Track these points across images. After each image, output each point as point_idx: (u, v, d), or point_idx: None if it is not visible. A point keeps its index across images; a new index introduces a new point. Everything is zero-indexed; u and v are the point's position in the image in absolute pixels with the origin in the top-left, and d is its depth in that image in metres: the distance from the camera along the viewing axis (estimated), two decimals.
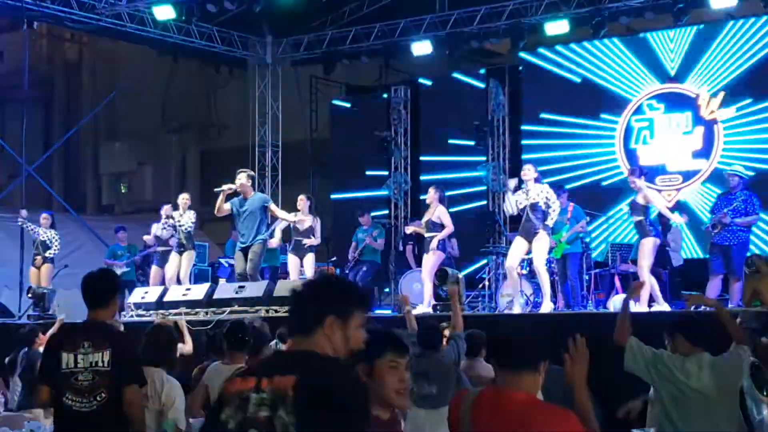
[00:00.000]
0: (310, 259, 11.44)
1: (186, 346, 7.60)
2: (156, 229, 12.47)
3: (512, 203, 9.97)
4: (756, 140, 13.34)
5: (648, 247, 9.55)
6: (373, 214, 13.89)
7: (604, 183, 14.43)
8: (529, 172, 9.86)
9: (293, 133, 17.40)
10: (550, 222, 9.77)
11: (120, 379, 4.25)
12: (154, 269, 12.32)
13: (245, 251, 10.56)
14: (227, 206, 10.61)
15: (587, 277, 11.30)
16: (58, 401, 4.28)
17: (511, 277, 10.09)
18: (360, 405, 2.39)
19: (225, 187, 10.56)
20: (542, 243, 9.78)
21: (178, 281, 11.71)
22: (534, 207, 9.71)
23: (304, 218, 11.45)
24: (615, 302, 10.43)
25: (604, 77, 14.63)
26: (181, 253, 11.77)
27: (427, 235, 10.78)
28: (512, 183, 10.29)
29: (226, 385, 2.51)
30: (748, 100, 13.41)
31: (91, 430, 4.22)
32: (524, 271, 11.17)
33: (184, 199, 11.91)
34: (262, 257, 10.78)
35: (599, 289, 11.49)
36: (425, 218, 10.85)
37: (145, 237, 12.90)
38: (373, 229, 12.65)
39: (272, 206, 10.85)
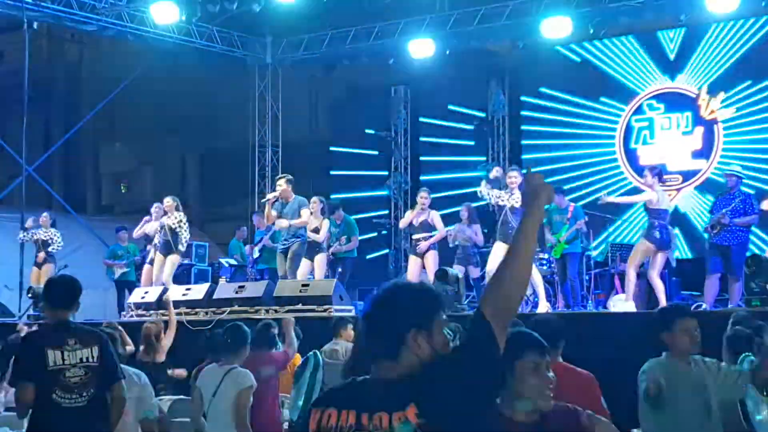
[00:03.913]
0: (321, 258, 11.40)
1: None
2: (148, 227, 12.42)
3: (486, 192, 9.97)
4: (756, 140, 13.34)
5: (641, 249, 9.61)
6: (372, 214, 13.88)
7: (604, 183, 14.43)
8: (514, 178, 9.84)
9: (293, 133, 17.39)
10: None
11: (107, 375, 4.39)
12: (146, 268, 12.30)
13: (286, 252, 10.84)
14: (274, 213, 10.97)
15: (587, 277, 11.31)
16: (43, 398, 4.30)
17: None
18: (477, 355, 2.23)
19: (270, 195, 11.02)
20: None
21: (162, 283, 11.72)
22: (514, 210, 9.72)
23: (314, 222, 11.44)
24: (615, 302, 10.43)
25: (607, 72, 14.64)
26: (165, 255, 11.74)
27: (417, 236, 10.81)
28: (496, 172, 10.28)
29: (314, 418, 2.32)
30: (749, 100, 13.40)
31: (80, 425, 4.29)
32: None
33: (168, 202, 11.86)
34: (300, 257, 11.00)
35: (599, 289, 11.50)
36: (419, 219, 10.83)
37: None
38: (343, 228, 12.07)
39: (302, 211, 10.91)
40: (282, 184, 10.91)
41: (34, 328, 8.01)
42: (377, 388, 2.29)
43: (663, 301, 9.23)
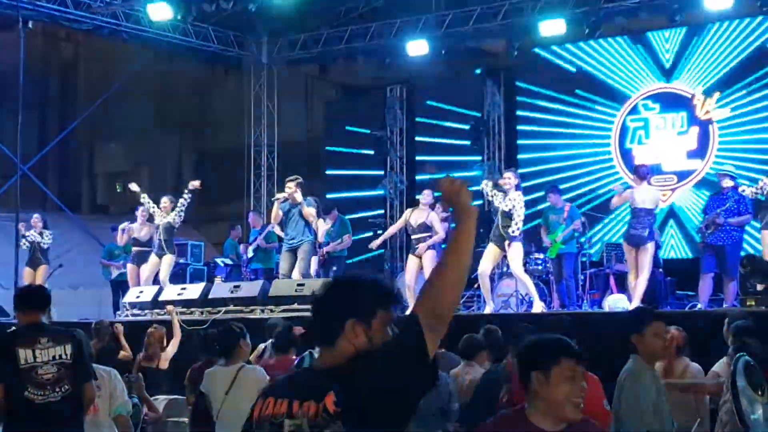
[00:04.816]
0: (313, 259, 11.45)
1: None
2: (134, 228, 12.41)
3: (489, 191, 10.11)
4: (750, 140, 13.37)
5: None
6: (368, 214, 13.89)
7: (600, 182, 14.45)
8: (509, 180, 9.86)
9: (289, 132, 17.39)
10: (516, 232, 9.76)
11: (80, 375, 4.49)
12: (130, 267, 12.31)
13: (294, 251, 10.87)
14: (280, 213, 11.11)
15: (582, 277, 11.33)
16: (16, 397, 4.38)
17: (483, 284, 10.05)
18: (401, 353, 2.23)
19: (280, 196, 11.13)
20: (517, 250, 9.86)
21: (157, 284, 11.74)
22: (507, 214, 9.75)
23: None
24: (609, 302, 10.47)
25: (602, 71, 14.65)
26: (160, 256, 11.77)
27: (416, 236, 10.82)
28: (487, 185, 10.33)
29: (257, 407, 2.37)
30: (744, 100, 13.44)
31: (53, 420, 4.37)
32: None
33: (165, 203, 11.90)
34: (311, 256, 11.13)
35: (594, 289, 11.52)
36: (418, 220, 10.85)
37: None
38: (338, 228, 12.06)
39: (304, 208, 10.91)
40: (291, 187, 10.93)
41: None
42: (311, 376, 2.35)
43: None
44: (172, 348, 8.32)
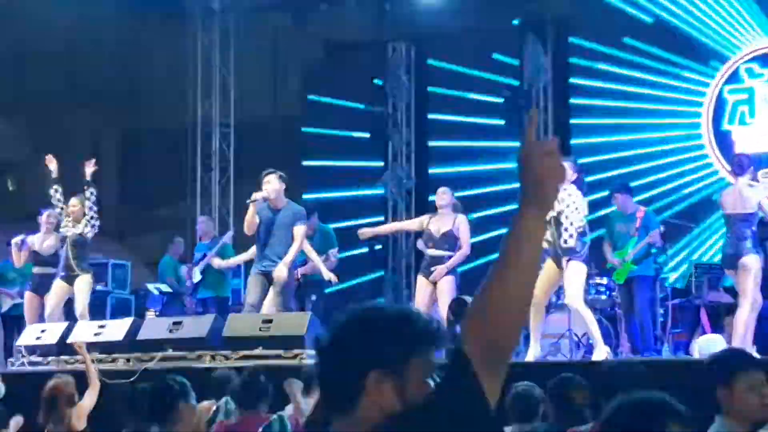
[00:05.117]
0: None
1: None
2: (35, 241, 12.39)
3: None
4: None
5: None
6: (362, 222, 13.84)
7: (686, 178, 14.43)
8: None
9: (251, 107, 17.38)
10: (571, 241, 9.67)
11: None
12: (28, 296, 12.29)
13: (267, 276, 10.75)
14: (257, 220, 10.92)
15: (662, 311, 11.33)
16: None
17: (532, 315, 9.80)
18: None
19: (257, 195, 10.85)
20: (576, 271, 9.80)
21: (68, 317, 11.73)
22: (558, 221, 9.70)
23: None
24: (700, 345, 10.45)
25: (690, 23, 14.71)
26: (69, 280, 11.74)
27: (434, 253, 10.79)
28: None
29: None
30: None
31: None
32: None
33: (74, 205, 11.89)
34: (291, 290, 11.02)
35: (679, 328, 11.53)
36: (442, 228, 10.86)
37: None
38: (318, 240, 12.19)
39: (296, 228, 10.84)
40: (272, 182, 10.83)
41: None
42: None
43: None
44: (89, 400, 8.28)
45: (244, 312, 11.00)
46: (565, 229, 9.72)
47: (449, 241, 10.78)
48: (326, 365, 2.35)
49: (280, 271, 10.61)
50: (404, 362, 2.27)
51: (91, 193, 11.82)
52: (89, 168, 11.85)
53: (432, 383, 2.28)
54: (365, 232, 11.78)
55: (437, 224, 10.92)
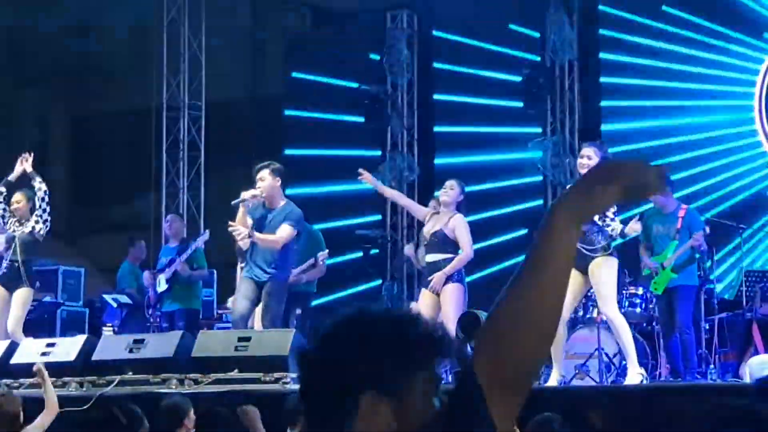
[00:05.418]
0: None
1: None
2: None
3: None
4: None
5: None
6: (356, 221, 13.85)
7: (736, 170, 14.44)
8: (589, 160, 9.80)
9: (224, 86, 17.39)
10: (603, 240, 9.67)
11: None
12: None
13: (259, 285, 10.85)
14: (249, 220, 10.96)
15: (707, 326, 11.32)
16: None
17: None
18: None
19: (246, 195, 10.86)
20: (607, 270, 9.80)
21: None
22: (596, 225, 9.76)
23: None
24: (752, 366, 10.44)
25: None
26: (9, 288, 11.78)
27: (430, 258, 10.78)
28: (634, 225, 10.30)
29: None
30: None
31: None
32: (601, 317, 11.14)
33: (19, 201, 11.92)
34: (282, 302, 11.03)
35: (727, 346, 11.55)
36: (432, 228, 10.85)
37: None
38: (304, 244, 12.18)
39: (283, 227, 10.86)
40: (266, 178, 10.90)
41: None
42: None
43: None
44: (41, 422, 8.28)
45: (238, 321, 10.99)
46: (602, 230, 9.73)
47: (440, 243, 10.72)
48: (310, 385, 2.32)
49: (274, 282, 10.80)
50: (405, 380, 2.25)
51: (40, 183, 11.81)
52: (25, 164, 11.87)
53: (437, 403, 2.26)
54: (367, 177, 11.53)
55: (432, 223, 10.90)
